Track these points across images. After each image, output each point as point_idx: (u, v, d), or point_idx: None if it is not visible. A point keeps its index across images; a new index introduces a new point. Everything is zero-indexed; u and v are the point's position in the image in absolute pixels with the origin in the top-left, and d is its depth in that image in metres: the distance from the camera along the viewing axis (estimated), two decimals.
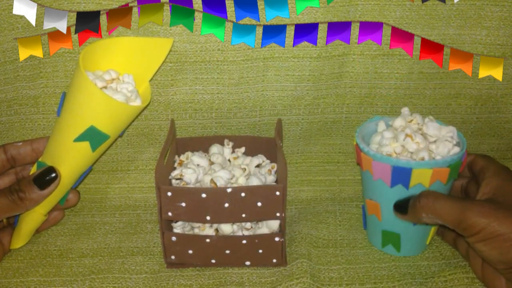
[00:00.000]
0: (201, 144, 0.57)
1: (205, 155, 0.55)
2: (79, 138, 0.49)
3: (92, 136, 0.49)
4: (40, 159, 0.52)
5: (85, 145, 0.50)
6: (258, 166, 0.53)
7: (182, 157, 0.54)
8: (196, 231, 0.51)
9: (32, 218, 0.52)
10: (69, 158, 0.51)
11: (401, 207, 0.47)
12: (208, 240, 0.49)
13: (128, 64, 0.54)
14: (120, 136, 0.55)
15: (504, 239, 0.41)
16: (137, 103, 0.52)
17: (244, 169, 0.52)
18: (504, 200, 0.44)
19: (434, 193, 0.45)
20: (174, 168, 0.54)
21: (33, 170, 0.52)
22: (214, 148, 0.55)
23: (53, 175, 0.50)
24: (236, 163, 0.54)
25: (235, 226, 0.50)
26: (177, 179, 0.52)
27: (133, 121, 0.57)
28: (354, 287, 0.48)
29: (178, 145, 0.57)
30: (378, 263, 0.51)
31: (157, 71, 0.56)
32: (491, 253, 0.42)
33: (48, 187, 0.49)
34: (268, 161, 0.55)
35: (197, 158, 0.53)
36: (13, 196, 0.48)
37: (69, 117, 0.49)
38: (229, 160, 0.55)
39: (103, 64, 0.53)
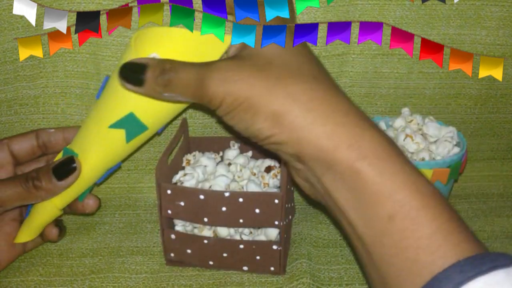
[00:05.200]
0: (214, 144, 0.57)
1: (215, 155, 0.55)
2: (116, 125, 0.45)
3: (130, 124, 0.45)
4: (68, 146, 0.48)
5: (120, 133, 0.45)
6: (268, 169, 0.52)
7: (189, 156, 0.55)
8: (196, 231, 0.51)
9: (46, 211, 0.49)
10: (100, 146, 0.46)
11: (133, 74, 0.39)
12: (205, 241, 0.49)
13: (180, 58, 0.46)
14: (158, 134, 0.52)
15: (246, 108, 0.35)
16: None
17: (254, 173, 0.52)
18: (250, 53, 0.35)
19: (171, 62, 0.37)
20: (183, 168, 0.54)
21: (58, 157, 0.48)
22: (230, 153, 0.55)
23: (73, 165, 0.45)
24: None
25: (232, 230, 0.50)
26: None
27: (175, 118, 0.52)
28: (354, 287, 0.48)
29: (191, 144, 0.57)
30: None
31: None
32: (240, 127, 0.36)
33: (67, 179, 0.45)
34: (278, 165, 0.53)
35: (206, 160, 0.53)
36: (28, 184, 0.45)
37: (109, 101, 0.45)
38: (229, 164, 0.54)
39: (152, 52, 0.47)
